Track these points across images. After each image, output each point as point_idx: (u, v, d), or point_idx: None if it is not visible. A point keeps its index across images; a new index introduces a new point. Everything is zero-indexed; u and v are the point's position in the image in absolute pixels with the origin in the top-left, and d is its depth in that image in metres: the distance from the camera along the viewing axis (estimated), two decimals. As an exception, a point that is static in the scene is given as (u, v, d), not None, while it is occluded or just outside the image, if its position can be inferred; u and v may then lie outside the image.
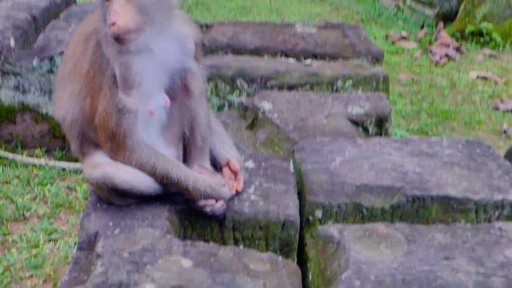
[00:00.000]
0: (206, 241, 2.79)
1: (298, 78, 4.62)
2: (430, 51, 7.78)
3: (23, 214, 4.18)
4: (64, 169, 4.70)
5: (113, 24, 2.44)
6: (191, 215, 2.76)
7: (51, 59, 4.55)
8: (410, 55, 7.74)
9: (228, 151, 3.01)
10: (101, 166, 2.61)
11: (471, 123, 6.07)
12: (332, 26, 5.74)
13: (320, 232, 2.69)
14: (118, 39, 2.48)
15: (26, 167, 4.67)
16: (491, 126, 6.04)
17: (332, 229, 2.67)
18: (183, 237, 2.74)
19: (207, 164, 2.89)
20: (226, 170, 2.92)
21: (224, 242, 2.79)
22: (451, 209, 3.01)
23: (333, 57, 5.07)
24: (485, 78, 7.12)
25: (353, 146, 3.37)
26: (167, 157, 2.67)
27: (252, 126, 4.16)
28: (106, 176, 2.58)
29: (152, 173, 2.62)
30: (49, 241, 3.98)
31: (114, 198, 2.67)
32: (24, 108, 4.68)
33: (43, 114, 4.72)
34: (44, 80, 4.60)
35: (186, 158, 2.87)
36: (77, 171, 4.66)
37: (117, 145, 2.59)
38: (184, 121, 2.81)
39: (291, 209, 2.82)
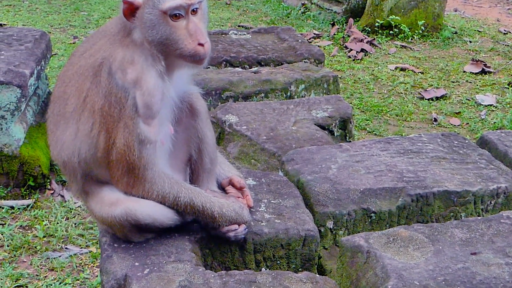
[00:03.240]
0: (227, 267, 2.68)
1: (252, 87, 4.56)
2: (346, 47, 7.96)
3: (-20, 262, 3.83)
4: (12, 207, 4.35)
5: (206, 42, 2.38)
6: (211, 243, 2.64)
7: (-12, 89, 4.19)
8: (327, 52, 7.88)
9: (226, 170, 2.90)
10: (121, 202, 2.42)
11: (402, 114, 6.26)
12: (265, 31, 5.73)
13: (345, 243, 2.65)
14: (202, 59, 2.41)
15: (-31, 210, 4.29)
16: (421, 116, 6.26)
17: (358, 238, 2.64)
18: (204, 266, 2.61)
19: (215, 187, 2.78)
20: (230, 188, 2.82)
21: (245, 266, 2.69)
22: (452, 203, 3.08)
23: (278, 62, 5.05)
24: (403, 69, 7.38)
25: (341, 152, 3.37)
26: (188, 185, 2.53)
27: (219, 140, 4.05)
28: (129, 212, 2.40)
29: (175, 204, 2.48)
30: (18, 287, 3.67)
31: (133, 235, 2.49)
32: (-40, 145, 4.29)
33: (-17, 151, 4.35)
34: (-18, 113, 4.23)
35: (193, 181, 2.73)
36: (27, 208, 4.34)
37: (136, 178, 2.41)
38: (191, 143, 2.68)
39: (309, 223, 2.76)
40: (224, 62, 5.00)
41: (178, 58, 2.44)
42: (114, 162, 2.40)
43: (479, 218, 2.84)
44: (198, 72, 2.70)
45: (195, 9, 2.42)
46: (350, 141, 4.14)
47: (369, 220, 3.00)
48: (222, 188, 2.86)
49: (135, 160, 2.38)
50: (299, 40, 5.43)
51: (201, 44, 2.39)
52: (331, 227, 2.95)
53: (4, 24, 8.18)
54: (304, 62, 5.09)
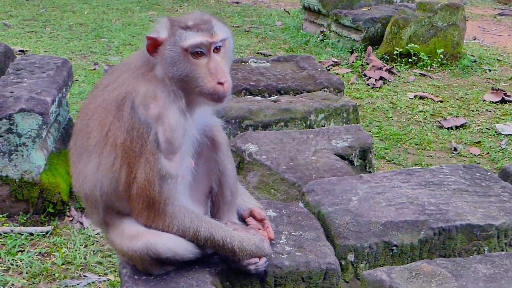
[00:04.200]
0: (247, 300, 2.66)
1: (271, 115, 4.57)
2: (364, 75, 7.96)
3: (-1, 289, 3.83)
4: (32, 234, 4.36)
5: (226, 81, 2.37)
6: (231, 275, 2.62)
7: (9, 117, 4.23)
8: (346, 80, 7.89)
9: (247, 201, 2.90)
10: (141, 236, 2.42)
11: (421, 143, 6.23)
12: (285, 59, 5.75)
13: (367, 277, 2.62)
14: (221, 98, 2.40)
15: (-11, 236, 4.30)
16: (440, 145, 6.22)
17: (380, 273, 2.61)
18: (224, 299, 2.59)
19: (236, 219, 2.77)
20: (251, 220, 2.80)
21: (265, 300, 2.66)
22: (474, 237, 3.04)
23: (298, 91, 5.06)
24: (422, 98, 7.36)
25: (362, 183, 3.35)
26: (209, 219, 2.52)
27: (238, 169, 4.04)
28: (149, 246, 2.39)
29: (195, 238, 2.47)
30: (36, 316, 3.66)
31: (153, 268, 2.48)
32: (-19, 172, 4.32)
33: (3, 177, 4.37)
34: (2, 141, 4.27)
35: (213, 214, 2.73)
36: (46, 234, 4.35)
37: (157, 213, 2.41)
38: (212, 176, 2.68)
39: (330, 256, 2.74)
40: (244, 91, 5.02)
41: (198, 96, 2.44)
42: (135, 196, 2.40)
43: (503, 253, 2.80)
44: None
45: (218, 47, 2.42)
46: (370, 171, 4.12)
47: (391, 253, 2.97)
48: (242, 219, 2.84)
49: (156, 195, 2.38)
50: (319, 69, 5.44)
51: (220, 83, 2.38)
52: (352, 260, 2.92)
53: (26, 51, 8.30)
54: (324, 91, 5.10)
